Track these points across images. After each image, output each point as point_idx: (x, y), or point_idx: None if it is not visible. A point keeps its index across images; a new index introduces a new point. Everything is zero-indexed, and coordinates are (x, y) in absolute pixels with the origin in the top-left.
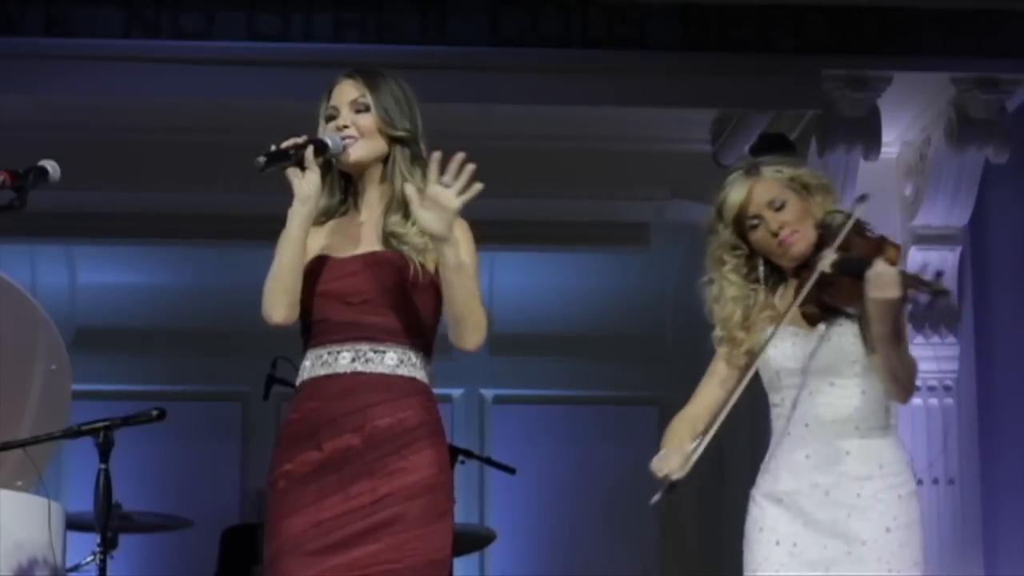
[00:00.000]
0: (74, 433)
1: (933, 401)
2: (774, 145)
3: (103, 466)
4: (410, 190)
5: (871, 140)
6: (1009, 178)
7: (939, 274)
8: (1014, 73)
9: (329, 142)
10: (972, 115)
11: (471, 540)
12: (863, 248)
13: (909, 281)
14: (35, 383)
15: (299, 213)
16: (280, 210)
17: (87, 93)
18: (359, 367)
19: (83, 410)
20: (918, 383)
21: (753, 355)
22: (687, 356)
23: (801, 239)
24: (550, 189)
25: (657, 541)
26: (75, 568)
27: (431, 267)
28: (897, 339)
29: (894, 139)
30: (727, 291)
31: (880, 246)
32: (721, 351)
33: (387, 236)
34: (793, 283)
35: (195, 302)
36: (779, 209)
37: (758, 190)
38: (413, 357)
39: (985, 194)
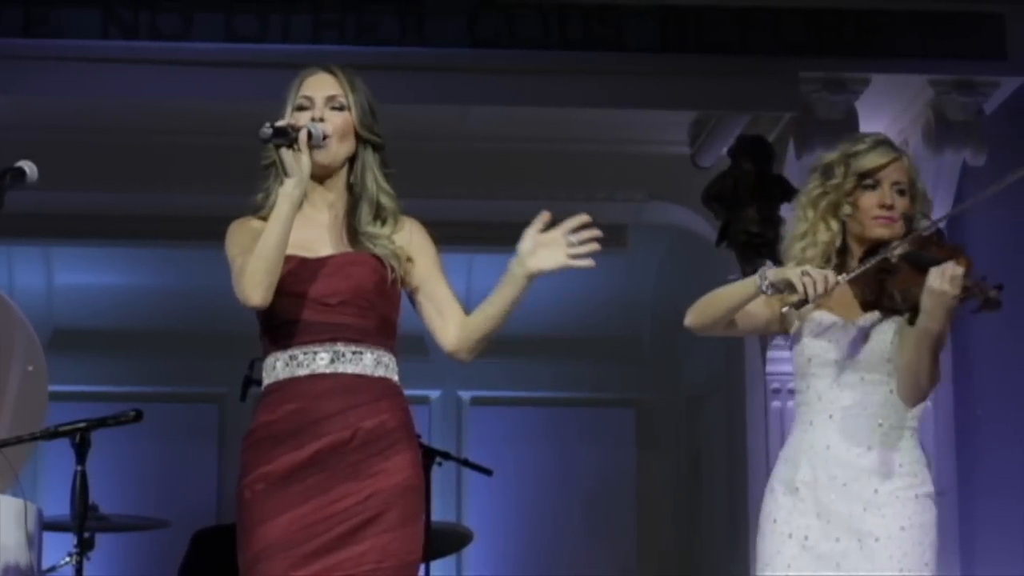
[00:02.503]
0: (51, 434)
1: None
2: (753, 147)
3: (80, 467)
4: (541, 219)
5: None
6: (987, 180)
7: (999, 287)
8: (992, 75)
9: (313, 131)
10: (950, 117)
11: (448, 541)
12: (937, 252)
13: (969, 284)
14: (11, 384)
15: (292, 196)
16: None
17: (64, 94)
18: (339, 368)
19: (60, 411)
20: None
21: (784, 318)
22: (664, 358)
23: (895, 225)
24: (528, 190)
25: (634, 542)
26: (52, 569)
27: (400, 272)
28: (937, 342)
29: None
30: (820, 234)
31: (954, 252)
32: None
33: (358, 237)
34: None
35: (172, 303)
36: (899, 193)
37: (896, 166)
38: (386, 358)
39: (963, 196)
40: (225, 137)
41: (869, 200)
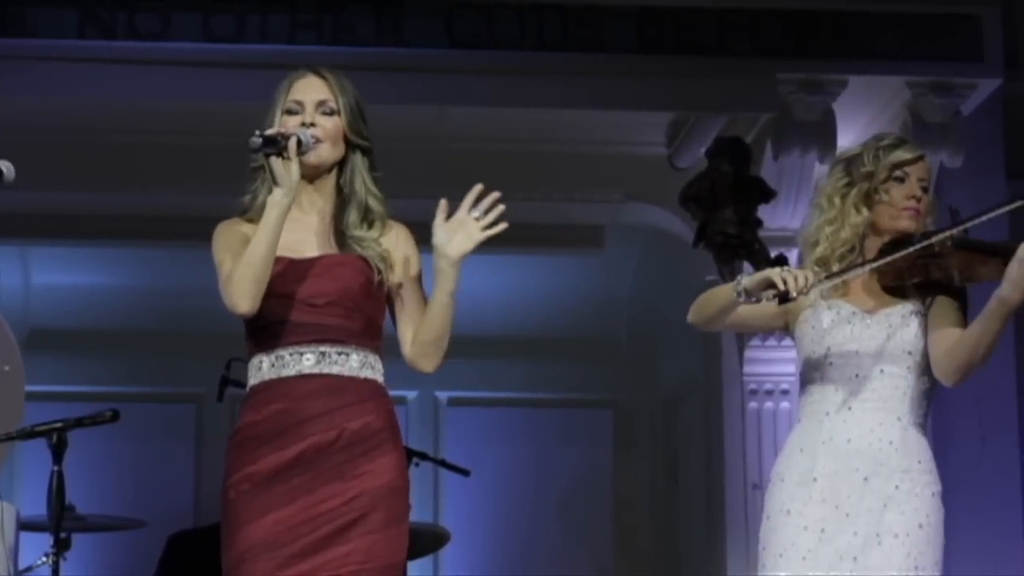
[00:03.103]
0: (27, 434)
1: None
2: (730, 148)
3: (56, 467)
4: (441, 209)
5: (826, 143)
6: (963, 182)
7: None
8: (969, 77)
9: (302, 138)
10: (927, 119)
11: (426, 541)
12: (987, 244)
13: None
14: None
15: (281, 204)
16: (232, 213)
17: (41, 93)
18: (325, 368)
19: (37, 411)
20: None
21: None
22: (641, 358)
23: (918, 219)
24: (505, 191)
25: (611, 542)
26: (28, 569)
27: (386, 275)
28: (1011, 313)
29: (849, 142)
30: (852, 218)
31: (1008, 249)
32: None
33: (345, 239)
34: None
35: (149, 303)
36: (924, 189)
37: (922, 164)
38: (373, 360)
39: (940, 198)
40: (202, 137)
41: (899, 192)
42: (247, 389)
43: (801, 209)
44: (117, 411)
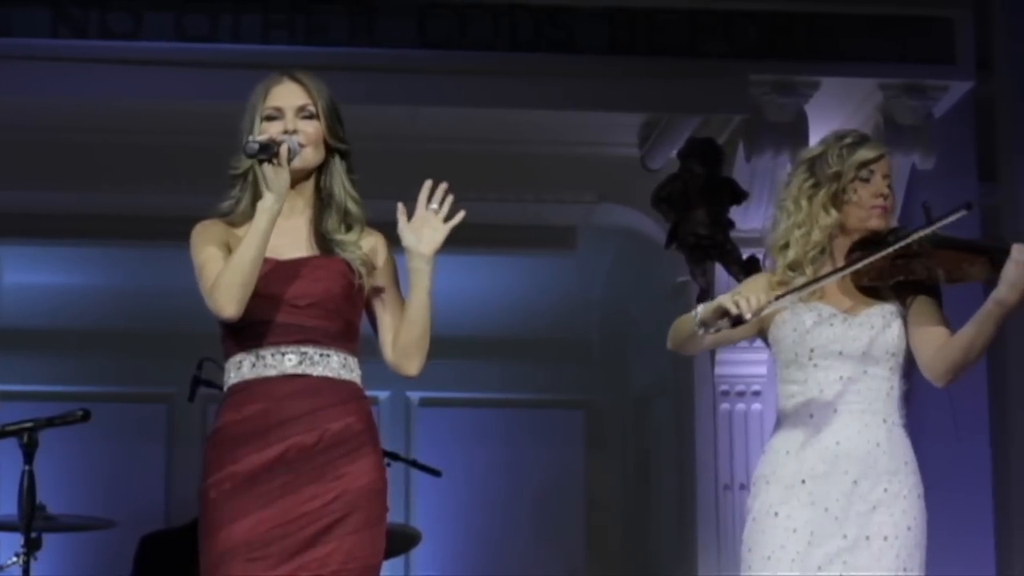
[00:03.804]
0: None
1: None
2: (703, 150)
3: (27, 467)
4: (400, 212)
5: (798, 145)
6: (935, 184)
7: None
8: (941, 79)
9: (292, 148)
10: (899, 121)
11: (397, 541)
12: (966, 242)
13: None
14: None
15: (271, 210)
16: (205, 212)
17: (12, 92)
18: (307, 369)
19: (7, 411)
20: None
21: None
22: (613, 359)
23: (886, 217)
24: (477, 192)
25: (583, 543)
26: None
27: (366, 279)
28: (1006, 315)
29: None
30: (822, 220)
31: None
32: (772, 277)
33: (327, 242)
34: (830, 266)
35: (120, 303)
36: (889, 187)
37: (885, 161)
38: (352, 362)
39: (911, 200)
40: (174, 136)
41: (866, 191)
42: (225, 388)
43: (773, 210)
44: (88, 411)
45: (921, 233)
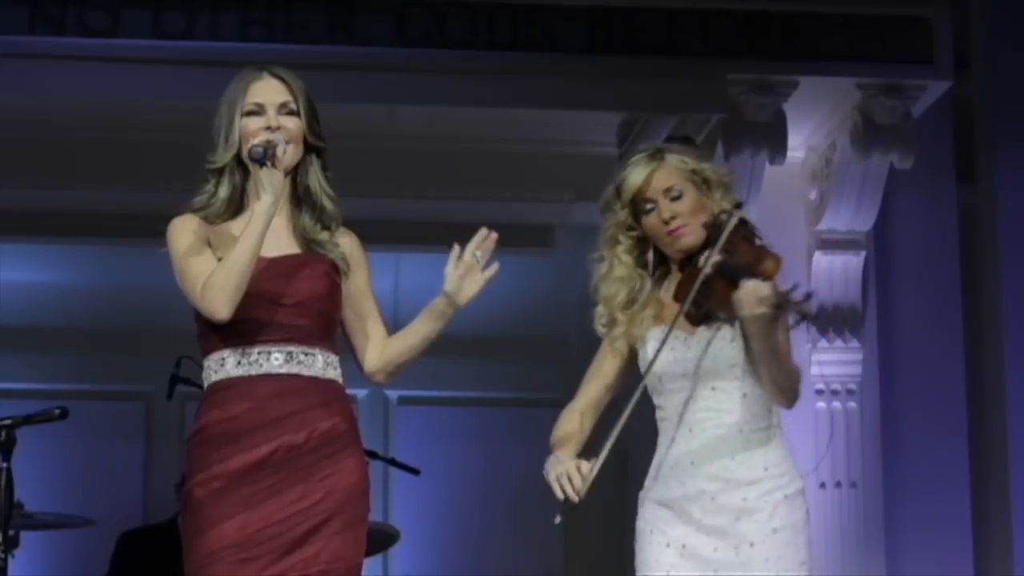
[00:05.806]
0: None
1: (836, 404)
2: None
3: (4, 465)
4: (454, 255)
5: (777, 144)
6: (914, 184)
7: (808, 295)
8: (919, 79)
9: (284, 148)
10: (878, 120)
11: (376, 539)
12: (746, 255)
13: (780, 300)
14: None
15: (268, 212)
16: (181, 210)
17: None
18: (293, 369)
19: None
20: (821, 386)
21: (633, 349)
22: (591, 358)
23: (690, 233)
24: (455, 190)
25: (561, 543)
26: None
27: (344, 279)
28: (774, 355)
29: (800, 144)
30: (616, 270)
31: (760, 257)
32: (605, 337)
33: (307, 241)
34: (677, 277)
35: (98, 301)
36: (675, 199)
37: (658, 175)
38: (334, 360)
39: (890, 199)
40: (152, 134)
41: (653, 221)
42: (207, 385)
43: (750, 210)
44: (66, 408)
45: (712, 260)
